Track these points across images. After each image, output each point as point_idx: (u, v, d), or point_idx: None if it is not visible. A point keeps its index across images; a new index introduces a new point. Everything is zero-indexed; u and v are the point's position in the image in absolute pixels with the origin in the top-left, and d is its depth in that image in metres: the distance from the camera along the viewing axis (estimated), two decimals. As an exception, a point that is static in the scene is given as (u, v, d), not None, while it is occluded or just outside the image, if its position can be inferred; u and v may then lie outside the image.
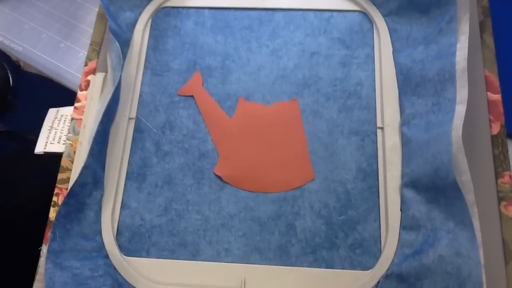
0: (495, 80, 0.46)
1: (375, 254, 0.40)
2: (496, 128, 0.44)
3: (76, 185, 0.41)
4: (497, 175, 0.42)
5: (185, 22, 0.50)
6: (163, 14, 0.51)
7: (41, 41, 0.52)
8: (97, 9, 0.53)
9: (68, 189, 0.42)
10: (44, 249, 0.41)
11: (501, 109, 0.45)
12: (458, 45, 0.42)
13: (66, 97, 0.52)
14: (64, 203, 0.41)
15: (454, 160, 0.37)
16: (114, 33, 0.46)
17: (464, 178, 0.37)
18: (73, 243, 0.40)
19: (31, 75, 0.50)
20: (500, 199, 0.41)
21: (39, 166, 0.38)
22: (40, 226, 0.43)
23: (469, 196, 0.37)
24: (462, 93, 0.40)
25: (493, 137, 0.44)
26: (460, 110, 0.39)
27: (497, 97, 0.45)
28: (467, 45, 0.42)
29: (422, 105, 0.43)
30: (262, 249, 0.41)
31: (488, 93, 0.45)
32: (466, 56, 0.41)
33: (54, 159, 0.46)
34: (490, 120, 0.44)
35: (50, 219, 0.43)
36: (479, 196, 0.40)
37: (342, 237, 0.41)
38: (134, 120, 0.46)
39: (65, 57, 0.51)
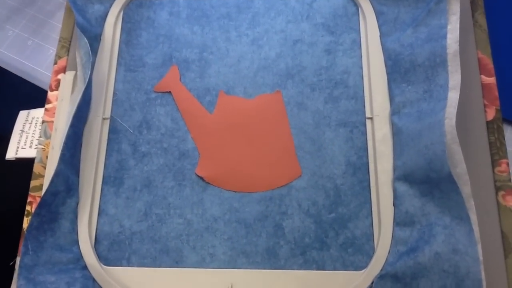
0: (488, 62, 0.43)
1: (368, 253, 0.38)
2: (491, 113, 0.42)
3: (47, 194, 0.38)
4: (494, 164, 0.40)
5: (159, 13, 0.47)
6: (135, 6, 0.48)
7: (7, 39, 0.49)
8: (65, 3, 0.50)
9: (40, 198, 0.39)
10: (18, 261, 0.39)
11: (496, 93, 0.42)
12: (449, 27, 0.40)
13: (40, 97, 0.49)
14: (35, 214, 0.38)
15: (448, 151, 0.35)
16: (82, 28, 0.43)
17: (459, 169, 0.35)
18: (48, 256, 0.38)
19: (-1, 76, 0.47)
20: (497, 189, 0.39)
21: (13, 171, 0.35)
22: (15, 237, 0.41)
23: (465, 189, 0.35)
24: (454, 78, 0.38)
25: (488, 123, 0.41)
26: (453, 96, 0.37)
27: (492, 80, 0.43)
28: (458, 26, 0.39)
29: (413, 92, 0.40)
30: (249, 253, 0.39)
31: (482, 76, 0.43)
32: (458, 39, 0.39)
33: (27, 163, 0.43)
34: (484, 105, 0.42)
35: (24, 230, 0.41)
36: (475, 186, 0.38)
37: (332, 236, 0.39)
38: (108, 120, 0.43)
39: (33, 55, 0.48)
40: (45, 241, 0.38)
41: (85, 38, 0.42)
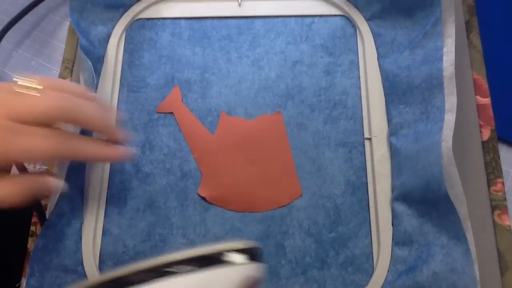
0: (483, 82, 0.44)
1: (368, 272, 0.39)
2: (486, 134, 0.43)
3: (53, 215, 0.39)
4: (490, 183, 0.41)
5: (161, 34, 0.48)
6: (137, 27, 0.48)
7: (11, 59, 0.50)
8: (68, 23, 0.51)
9: (46, 219, 0.40)
10: (23, 283, 0.39)
11: (491, 113, 0.43)
12: (445, 50, 0.41)
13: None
14: (41, 235, 0.39)
15: (445, 173, 0.36)
16: (86, 51, 0.43)
17: (456, 190, 0.36)
18: (53, 277, 0.38)
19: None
20: (493, 208, 0.40)
21: None
22: (19, 258, 0.41)
23: (462, 209, 0.36)
24: (450, 100, 0.39)
25: (484, 143, 0.42)
26: (449, 119, 0.38)
27: (487, 100, 0.44)
28: (453, 49, 0.40)
29: (410, 113, 0.41)
30: (251, 272, 0.39)
31: (477, 96, 0.44)
32: (454, 61, 0.40)
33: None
34: (480, 125, 0.43)
35: (29, 250, 0.41)
36: (471, 206, 0.39)
37: (333, 255, 0.40)
38: (112, 141, 0.44)
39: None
40: (50, 262, 0.39)
41: (89, 61, 0.42)
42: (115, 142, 0.38)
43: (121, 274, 0.23)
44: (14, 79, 0.33)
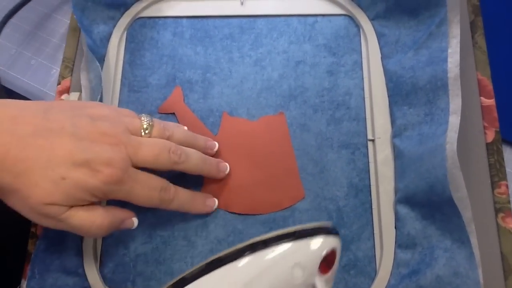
0: (488, 83, 0.44)
1: (370, 275, 0.39)
2: (490, 135, 0.42)
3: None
4: (494, 185, 0.41)
5: (163, 33, 0.47)
6: (139, 25, 0.48)
7: (10, 58, 0.49)
8: (68, 21, 0.51)
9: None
10: (23, 285, 0.39)
11: (495, 115, 0.43)
12: (449, 50, 0.40)
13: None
14: (43, 236, 0.39)
15: (449, 176, 0.36)
16: (92, 50, 0.43)
17: (461, 194, 0.36)
18: (54, 279, 0.38)
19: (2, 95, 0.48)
20: (497, 211, 0.40)
21: None
22: (19, 259, 0.41)
23: (466, 213, 0.36)
24: (455, 102, 0.39)
25: (488, 145, 0.42)
26: (454, 121, 0.38)
27: (491, 102, 0.43)
28: (458, 50, 0.40)
29: (414, 115, 0.41)
30: (253, 274, 0.39)
31: (482, 98, 0.44)
32: (458, 62, 0.40)
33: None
34: (484, 127, 0.43)
35: (29, 252, 0.41)
36: (475, 208, 0.38)
37: (335, 257, 0.39)
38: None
39: (37, 75, 0.48)
40: (51, 264, 0.39)
41: (97, 61, 0.42)
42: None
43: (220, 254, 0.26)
44: (142, 117, 0.37)
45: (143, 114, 0.37)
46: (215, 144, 0.42)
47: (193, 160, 0.38)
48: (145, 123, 0.36)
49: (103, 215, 0.35)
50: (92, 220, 0.34)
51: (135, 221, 0.38)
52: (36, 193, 0.31)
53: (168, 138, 0.37)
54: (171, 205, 0.37)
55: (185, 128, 0.41)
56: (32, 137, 0.32)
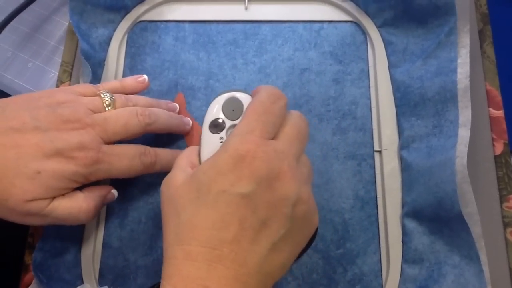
0: (497, 94, 0.43)
1: (376, 290, 0.38)
2: (499, 148, 0.41)
3: (52, 227, 0.38)
4: (502, 199, 0.40)
5: (164, 38, 0.46)
6: (140, 29, 0.47)
7: (6, 61, 0.48)
8: (67, 23, 0.49)
9: (43, 231, 0.39)
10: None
11: (504, 126, 0.42)
12: (459, 61, 0.39)
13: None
14: (38, 248, 0.37)
15: (459, 191, 0.35)
16: (86, 55, 0.42)
17: (470, 209, 0.35)
18: (51, 292, 0.37)
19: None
20: (505, 225, 0.39)
21: None
22: (15, 271, 0.40)
23: (476, 229, 0.35)
24: (465, 114, 0.38)
25: (497, 158, 0.41)
26: (464, 134, 0.37)
27: (500, 113, 0.43)
28: (468, 60, 0.39)
29: (422, 126, 0.40)
30: (256, 289, 0.38)
31: (490, 109, 0.43)
32: (468, 74, 0.39)
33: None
34: (492, 139, 0.42)
35: (26, 263, 0.40)
36: (482, 222, 0.38)
37: (340, 272, 0.39)
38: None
39: (34, 78, 0.47)
40: (51, 276, 0.37)
41: (89, 67, 0.41)
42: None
43: None
44: (102, 93, 0.36)
45: (102, 91, 0.37)
46: (176, 106, 0.42)
47: (162, 117, 0.38)
48: (107, 99, 0.36)
49: (86, 199, 0.35)
50: (77, 206, 0.34)
51: (114, 192, 0.38)
52: (14, 193, 0.31)
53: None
54: (155, 167, 0.37)
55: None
56: None
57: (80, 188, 0.35)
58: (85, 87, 0.37)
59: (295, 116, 0.32)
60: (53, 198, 0.33)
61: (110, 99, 0.36)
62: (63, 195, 0.33)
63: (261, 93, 0.31)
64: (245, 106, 0.32)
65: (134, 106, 0.37)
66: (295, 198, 0.28)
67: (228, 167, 0.27)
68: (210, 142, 0.32)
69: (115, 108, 0.36)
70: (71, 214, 0.34)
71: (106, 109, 0.36)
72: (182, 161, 0.32)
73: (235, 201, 0.27)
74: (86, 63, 0.41)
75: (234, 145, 0.28)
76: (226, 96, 0.33)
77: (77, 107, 0.34)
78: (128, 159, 0.35)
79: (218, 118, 0.32)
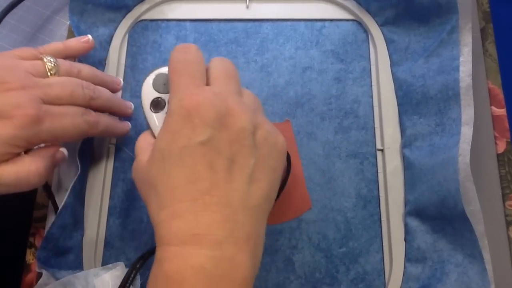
0: (499, 92, 0.43)
1: (379, 289, 0.38)
2: (502, 146, 0.41)
3: (53, 227, 0.37)
4: (505, 197, 0.40)
5: (165, 37, 0.46)
6: (141, 28, 0.47)
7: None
8: (68, 22, 0.49)
9: (46, 231, 0.38)
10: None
11: (507, 125, 0.42)
12: (461, 59, 0.39)
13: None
14: (41, 247, 0.37)
15: (462, 189, 0.35)
16: (84, 55, 0.41)
17: (473, 207, 0.35)
18: (53, 292, 0.37)
19: None
20: (508, 224, 0.39)
21: (11, 199, 0.34)
22: (17, 270, 0.40)
23: (479, 227, 0.35)
24: (467, 112, 0.38)
25: (499, 156, 0.41)
26: (466, 132, 0.37)
27: (502, 111, 0.42)
28: (470, 58, 0.39)
29: (425, 125, 0.40)
30: (259, 288, 0.38)
31: (492, 107, 0.43)
32: (471, 72, 0.39)
33: (28, 193, 0.42)
34: (495, 137, 0.42)
35: (27, 262, 0.40)
36: (485, 221, 0.38)
37: (343, 271, 0.38)
38: (114, 147, 0.42)
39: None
40: (52, 276, 0.37)
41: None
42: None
43: None
44: (44, 57, 0.35)
45: (44, 55, 0.35)
46: (120, 80, 0.42)
47: (105, 95, 0.37)
48: (50, 64, 0.35)
49: (34, 161, 0.33)
50: (25, 170, 0.32)
51: (64, 150, 0.37)
52: None
53: (76, 76, 0.36)
54: (99, 127, 0.36)
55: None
56: None
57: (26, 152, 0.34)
58: (24, 50, 0.35)
59: (215, 60, 0.32)
60: None
61: (53, 64, 0.35)
62: (7, 160, 0.32)
63: (171, 54, 0.32)
64: None
65: (77, 73, 0.36)
66: (251, 127, 0.28)
67: (180, 124, 0.27)
68: (158, 121, 0.32)
69: (59, 74, 0.35)
70: (19, 179, 0.32)
71: (49, 73, 0.34)
72: (141, 144, 0.32)
73: (198, 150, 0.27)
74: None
75: (176, 104, 0.28)
76: (152, 75, 0.33)
77: (15, 69, 0.32)
78: (71, 117, 0.34)
79: (156, 97, 0.33)
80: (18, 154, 0.33)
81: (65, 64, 0.36)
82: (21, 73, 0.32)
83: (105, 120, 0.37)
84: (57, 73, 0.35)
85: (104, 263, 0.39)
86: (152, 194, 0.28)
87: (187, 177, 0.27)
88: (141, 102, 0.33)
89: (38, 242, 0.40)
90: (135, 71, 0.45)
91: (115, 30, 0.46)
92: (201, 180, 0.27)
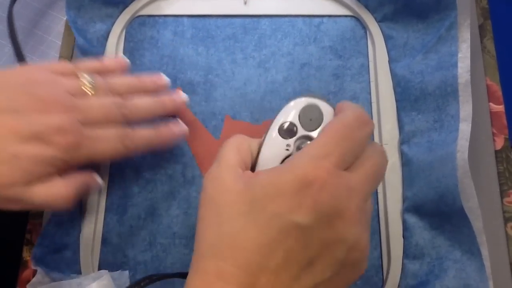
0: (497, 89, 0.43)
1: (377, 285, 0.38)
2: (500, 143, 0.41)
3: (50, 224, 0.37)
4: (503, 194, 0.40)
5: (163, 32, 0.46)
6: (138, 24, 0.46)
7: (3, 56, 0.47)
8: (64, 18, 0.49)
9: (42, 228, 0.38)
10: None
11: (505, 121, 0.42)
12: (460, 55, 0.39)
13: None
14: (38, 244, 0.37)
15: (460, 186, 0.35)
16: (82, 51, 0.41)
17: (471, 204, 0.35)
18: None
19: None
20: (506, 220, 0.39)
21: None
22: (13, 266, 0.40)
23: (477, 223, 0.35)
24: (466, 109, 0.38)
25: (497, 153, 0.41)
26: (465, 128, 0.37)
27: (500, 108, 0.42)
28: (469, 54, 0.39)
29: (423, 121, 0.40)
30: (257, 284, 0.38)
31: (490, 104, 0.43)
32: (469, 68, 0.39)
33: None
34: (493, 134, 0.42)
35: (24, 259, 0.39)
36: (484, 217, 0.38)
37: (341, 267, 0.38)
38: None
39: (31, 74, 0.47)
40: (48, 271, 0.37)
41: None
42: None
43: None
44: (81, 75, 0.35)
45: (82, 73, 0.35)
46: (164, 79, 0.40)
47: (142, 106, 0.37)
48: (88, 83, 0.35)
49: (66, 185, 0.33)
50: (56, 193, 0.33)
51: (99, 180, 0.37)
52: None
53: (112, 92, 0.36)
54: (138, 148, 0.36)
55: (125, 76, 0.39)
56: None
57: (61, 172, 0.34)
58: (62, 65, 0.36)
59: (378, 150, 0.28)
60: (31, 183, 0.31)
61: (91, 83, 0.35)
62: (42, 180, 0.32)
63: (347, 113, 0.27)
64: (325, 119, 0.29)
65: (113, 90, 0.36)
66: (352, 243, 0.25)
67: (291, 190, 0.24)
68: (274, 145, 0.29)
69: (96, 94, 0.35)
70: (49, 201, 0.32)
71: (87, 92, 0.34)
72: (231, 156, 0.28)
73: (288, 229, 0.24)
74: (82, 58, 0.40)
75: (303, 167, 0.24)
76: (306, 101, 0.29)
77: (56, 87, 0.33)
78: (109, 142, 0.34)
79: (292, 123, 0.29)
80: (53, 174, 0.33)
81: (101, 82, 0.36)
82: (62, 93, 0.33)
83: (145, 137, 0.36)
84: (95, 92, 0.35)
85: (102, 260, 0.39)
86: (214, 227, 0.25)
87: (260, 245, 0.24)
88: (276, 115, 0.30)
89: (34, 238, 0.40)
90: (132, 66, 0.44)
91: (112, 26, 0.45)
92: (269, 259, 0.24)
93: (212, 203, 0.26)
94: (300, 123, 0.29)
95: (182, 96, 0.40)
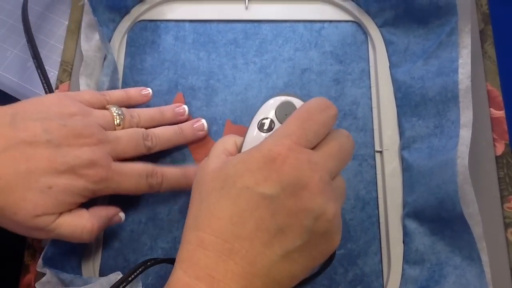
0: (498, 94, 0.43)
1: (377, 291, 0.38)
2: (500, 148, 0.41)
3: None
4: (503, 200, 0.40)
5: (164, 37, 0.46)
6: (139, 28, 0.46)
7: (6, 60, 0.48)
8: (66, 22, 0.49)
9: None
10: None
11: (505, 127, 0.42)
12: (460, 61, 0.39)
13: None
14: (51, 244, 0.37)
15: (460, 192, 0.35)
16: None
17: (471, 210, 0.35)
18: (52, 293, 0.37)
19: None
20: (506, 226, 0.39)
21: None
22: (15, 271, 0.40)
23: (477, 229, 0.35)
24: (466, 114, 0.38)
25: (498, 158, 0.41)
26: (465, 134, 0.37)
27: (501, 113, 0.42)
28: (469, 60, 0.39)
29: (423, 127, 0.40)
30: (257, 289, 0.38)
31: (491, 109, 0.43)
32: (470, 74, 0.39)
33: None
34: (493, 140, 0.42)
35: (25, 263, 0.39)
36: (484, 223, 0.38)
37: (341, 272, 0.38)
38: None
39: (33, 78, 0.47)
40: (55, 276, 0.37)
41: (115, 62, 0.43)
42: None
43: None
44: (110, 107, 0.37)
45: (111, 105, 0.37)
46: (184, 108, 0.42)
47: (164, 137, 0.39)
48: (117, 116, 0.36)
49: (91, 219, 0.34)
50: (81, 226, 0.34)
51: (122, 215, 0.38)
52: (24, 207, 0.31)
53: (137, 125, 0.38)
54: (162, 187, 0.37)
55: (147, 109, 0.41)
56: (4, 152, 0.31)
57: (87, 204, 0.35)
58: (92, 95, 0.37)
59: (342, 133, 0.31)
60: (60, 213, 0.33)
61: (120, 116, 0.37)
62: (70, 211, 0.33)
63: (309, 101, 0.31)
64: None
65: (138, 122, 0.38)
66: (319, 212, 0.27)
67: (257, 165, 0.27)
68: (254, 139, 0.31)
69: (124, 126, 0.37)
70: (74, 233, 0.34)
71: (117, 123, 0.36)
72: (219, 147, 0.32)
73: (256, 200, 0.27)
74: (114, 61, 0.43)
75: (268, 145, 0.28)
76: (283, 99, 0.33)
77: (89, 121, 0.34)
78: (136, 178, 0.35)
79: (269, 118, 0.32)
80: (80, 206, 0.34)
81: (128, 114, 0.38)
82: (95, 127, 0.34)
83: (170, 179, 0.38)
84: (123, 125, 0.37)
85: (103, 264, 0.39)
86: (197, 203, 0.29)
87: (232, 215, 0.27)
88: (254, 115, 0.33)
89: (36, 243, 0.40)
90: (133, 71, 0.45)
91: (114, 31, 0.46)
92: (241, 227, 0.27)
93: (197, 184, 0.30)
94: (277, 118, 0.32)
95: (202, 123, 0.42)
